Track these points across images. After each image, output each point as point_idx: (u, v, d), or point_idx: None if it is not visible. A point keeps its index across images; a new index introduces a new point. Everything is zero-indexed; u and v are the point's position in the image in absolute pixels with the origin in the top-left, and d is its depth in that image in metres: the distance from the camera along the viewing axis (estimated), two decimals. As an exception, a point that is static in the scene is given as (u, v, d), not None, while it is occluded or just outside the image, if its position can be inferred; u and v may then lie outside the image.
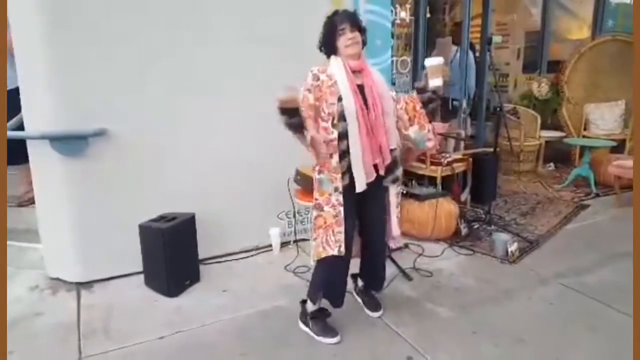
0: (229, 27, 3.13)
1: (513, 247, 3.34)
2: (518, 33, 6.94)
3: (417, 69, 4.72)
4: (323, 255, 2.24)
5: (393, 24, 4.31)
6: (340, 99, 2.12)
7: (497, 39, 6.22)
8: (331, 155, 2.16)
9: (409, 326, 2.49)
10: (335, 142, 2.14)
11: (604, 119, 5.68)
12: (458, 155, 4.31)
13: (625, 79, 5.58)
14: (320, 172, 2.23)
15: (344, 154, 2.16)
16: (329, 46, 2.21)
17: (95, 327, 2.53)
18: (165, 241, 2.80)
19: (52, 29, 2.68)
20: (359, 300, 2.70)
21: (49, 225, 2.99)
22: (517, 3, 6.89)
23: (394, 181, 2.34)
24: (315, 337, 2.38)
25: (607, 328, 2.47)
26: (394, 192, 2.36)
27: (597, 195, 4.74)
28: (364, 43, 2.24)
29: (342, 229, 2.20)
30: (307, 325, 2.45)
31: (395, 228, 2.40)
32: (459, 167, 4.17)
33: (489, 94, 5.58)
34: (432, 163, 4.05)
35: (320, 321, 2.42)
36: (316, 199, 2.26)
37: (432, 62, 2.28)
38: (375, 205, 2.35)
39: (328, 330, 2.39)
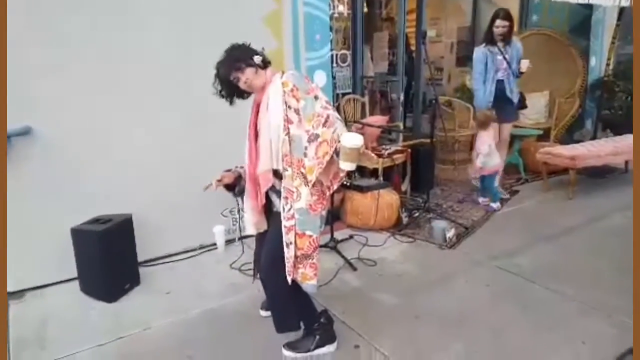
0: (159, 27, 3.03)
1: (450, 233, 3.49)
2: (451, 28, 7.21)
3: (356, 63, 4.78)
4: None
5: (331, 17, 4.35)
6: None
7: (431, 32, 6.42)
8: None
9: (355, 315, 2.54)
10: None
11: (531, 108, 6.03)
12: (397, 147, 4.42)
13: (549, 71, 5.96)
14: None
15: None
16: (234, 96, 2.08)
17: (28, 338, 2.39)
18: (101, 245, 2.69)
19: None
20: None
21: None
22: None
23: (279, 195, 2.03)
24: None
25: (537, 305, 2.64)
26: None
27: (527, 180, 5.04)
28: (264, 63, 2.02)
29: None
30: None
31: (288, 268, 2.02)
32: (399, 159, 4.29)
33: (424, 87, 5.77)
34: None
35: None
36: None
37: (350, 141, 1.75)
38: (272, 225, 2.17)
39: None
